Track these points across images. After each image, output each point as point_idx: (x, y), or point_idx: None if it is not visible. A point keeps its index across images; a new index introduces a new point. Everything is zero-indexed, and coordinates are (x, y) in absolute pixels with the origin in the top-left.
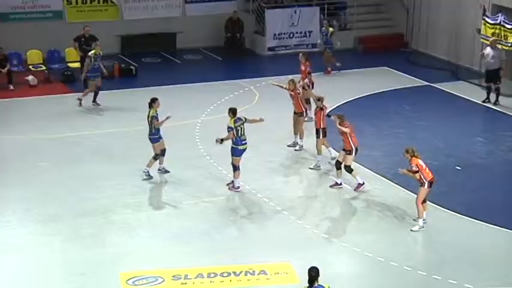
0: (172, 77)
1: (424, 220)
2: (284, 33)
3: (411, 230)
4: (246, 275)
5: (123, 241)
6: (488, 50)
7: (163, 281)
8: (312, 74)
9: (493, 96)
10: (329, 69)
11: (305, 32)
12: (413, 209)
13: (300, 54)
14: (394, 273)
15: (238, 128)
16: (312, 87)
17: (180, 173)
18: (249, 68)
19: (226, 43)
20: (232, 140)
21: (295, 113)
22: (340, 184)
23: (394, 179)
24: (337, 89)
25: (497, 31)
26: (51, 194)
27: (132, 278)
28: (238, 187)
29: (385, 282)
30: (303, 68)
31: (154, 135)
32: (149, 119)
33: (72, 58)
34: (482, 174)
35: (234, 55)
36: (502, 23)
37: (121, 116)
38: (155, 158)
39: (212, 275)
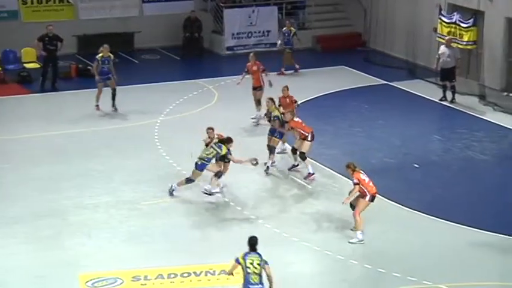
0: (130, 77)
1: (362, 232)
2: (242, 33)
3: (349, 242)
4: (206, 275)
5: (82, 242)
6: (443, 49)
7: (123, 282)
8: (267, 73)
9: (449, 95)
10: (283, 69)
11: (263, 32)
12: (372, 207)
13: (251, 54)
14: (355, 271)
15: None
16: (270, 85)
17: (140, 174)
18: (208, 67)
19: (184, 43)
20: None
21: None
22: (313, 174)
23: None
24: (295, 88)
25: (452, 30)
26: (10, 196)
27: (92, 279)
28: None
29: (346, 279)
30: (255, 68)
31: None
32: (217, 154)
33: (29, 58)
34: (439, 172)
35: (192, 55)
36: (457, 21)
37: (79, 117)
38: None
39: (172, 276)
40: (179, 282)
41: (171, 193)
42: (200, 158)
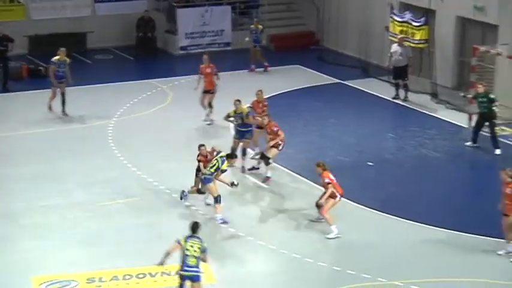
0: (83, 77)
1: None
2: (196, 33)
3: (327, 238)
4: (162, 275)
5: (35, 245)
6: (395, 48)
7: (77, 284)
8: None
9: (402, 93)
10: (253, 66)
11: (217, 31)
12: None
13: (204, 55)
14: (310, 269)
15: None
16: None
17: (93, 175)
18: (162, 67)
19: (137, 42)
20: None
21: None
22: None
23: (308, 176)
24: (249, 88)
25: (404, 29)
26: None
27: (45, 282)
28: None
29: (301, 278)
30: (208, 70)
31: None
32: (217, 168)
33: None
34: (393, 170)
35: (146, 55)
36: (409, 20)
37: (31, 118)
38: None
39: (128, 277)
40: (135, 284)
41: (181, 198)
42: (203, 174)
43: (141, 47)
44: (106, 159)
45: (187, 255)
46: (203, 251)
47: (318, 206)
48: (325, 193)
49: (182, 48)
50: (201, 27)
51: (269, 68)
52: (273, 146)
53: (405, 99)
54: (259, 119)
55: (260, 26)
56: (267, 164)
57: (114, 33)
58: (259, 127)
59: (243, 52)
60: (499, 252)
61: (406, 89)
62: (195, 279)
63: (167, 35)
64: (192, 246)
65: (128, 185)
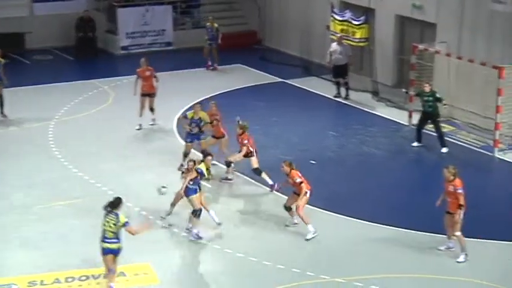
0: (22, 78)
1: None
2: (137, 32)
3: (306, 239)
4: (105, 277)
5: None
6: (334, 46)
7: (18, 287)
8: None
9: (343, 91)
10: (216, 65)
11: (158, 31)
12: (269, 204)
13: (142, 59)
14: (255, 268)
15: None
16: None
17: (33, 177)
18: (102, 67)
19: (77, 43)
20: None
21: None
22: (231, 179)
23: (252, 177)
24: (191, 87)
25: (345, 27)
26: None
27: None
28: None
29: (246, 276)
30: (147, 73)
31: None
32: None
33: None
34: (335, 168)
35: (86, 55)
36: (349, 19)
37: None
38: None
39: (70, 280)
40: (77, 286)
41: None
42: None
43: (81, 47)
44: (46, 160)
45: (104, 229)
46: (123, 225)
47: (287, 208)
48: (296, 193)
49: (123, 48)
50: (142, 27)
51: (218, 68)
52: (246, 155)
53: (346, 98)
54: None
55: (215, 25)
56: (259, 173)
57: (54, 33)
58: (216, 137)
59: (184, 52)
60: (440, 248)
61: (347, 87)
62: (115, 252)
63: (108, 35)
64: (108, 222)
65: (69, 186)
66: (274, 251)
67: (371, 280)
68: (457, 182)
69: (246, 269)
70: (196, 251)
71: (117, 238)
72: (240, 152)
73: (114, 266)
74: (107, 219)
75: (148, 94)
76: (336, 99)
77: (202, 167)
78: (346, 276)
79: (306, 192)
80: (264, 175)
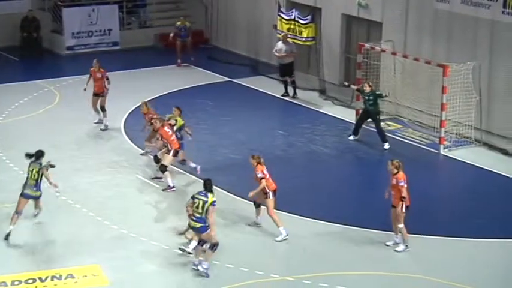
0: None
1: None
2: (83, 32)
3: (275, 241)
4: (52, 280)
5: None
6: (280, 45)
7: None
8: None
9: (291, 90)
10: (192, 58)
11: (105, 30)
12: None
13: (94, 60)
14: (213, 270)
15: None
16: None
17: None
18: (48, 68)
19: (22, 43)
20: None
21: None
22: (173, 187)
23: (202, 176)
24: (139, 87)
25: (292, 26)
26: None
27: None
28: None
29: (194, 277)
30: (99, 75)
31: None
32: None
33: None
34: (283, 166)
35: (31, 55)
36: (296, 18)
37: None
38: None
39: (16, 283)
40: None
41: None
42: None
43: (25, 47)
44: None
45: (27, 177)
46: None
47: (255, 204)
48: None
49: (69, 48)
50: (88, 27)
51: (182, 65)
52: (166, 152)
53: (294, 96)
54: (157, 122)
55: (187, 23)
56: (163, 171)
57: None
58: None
59: (131, 52)
60: (388, 243)
61: (294, 86)
62: (36, 198)
63: (53, 35)
64: (32, 171)
65: (17, 188)
66: (222, 250)
67: (320, 278)
68: (400, 175)
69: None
70: (145, 251)
71: (38, 186)
72: (169, 151)
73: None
74: (31, 168)
75: (98, 94)
76: (284, 98)
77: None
78: (296, 275)
79: (265, 191)
80: (166, 174)
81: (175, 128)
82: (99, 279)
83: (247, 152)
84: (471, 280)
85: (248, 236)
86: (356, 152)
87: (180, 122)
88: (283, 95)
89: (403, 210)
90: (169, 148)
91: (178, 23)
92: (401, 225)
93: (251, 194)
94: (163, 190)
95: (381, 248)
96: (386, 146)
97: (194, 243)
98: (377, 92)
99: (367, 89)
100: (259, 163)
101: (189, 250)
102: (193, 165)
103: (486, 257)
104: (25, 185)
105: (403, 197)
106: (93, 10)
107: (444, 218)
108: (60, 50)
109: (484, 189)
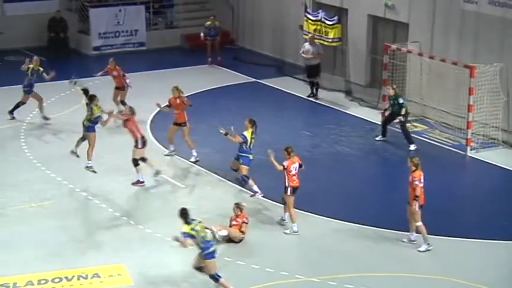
0: None
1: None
2: (109, 32)
3: (284, 233)
4: (78, 279)
5: None
6: (307, 46)
7: None
8: (127, 75)
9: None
10: (219, 58)
11: (131, 31)
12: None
13: (111, 59)
14: (229, 268)
15: (252, 140)
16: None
17: (5, 178)
18: (75, 68)
19: (49, 43)
20: (243, 149)
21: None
22: (143, 182)
23: (226, 176)
24: (165, 88)
25: (318, 27)
26: None
27: None
28: (257, 192)
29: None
30: (115, 73)
31: None
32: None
33: None
34: (310, 167)
35: (58, 55)
36: (322, 19)
37: None
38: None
39: (43, 282)
40: None
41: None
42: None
43: (53, 48)
44: (18, 161)
45: None
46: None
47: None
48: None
49: (95, 48)
50: (115, 27)
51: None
52: (134, 146)
53: (315, 97)
54: (127, 110)
55: (217, 22)
56: (135, 165)
57: (25, 33)
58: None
59: (157, 52)
60: (403, 240)
61: (317, 87)
62: None
63: (80, 35)
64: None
65: (43, 188)
66: (248, 251)
67: (345, 279)
68: (417, 173)
69: (221, 270)
70: (170, 251)
71: None
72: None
73: None
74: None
75: (119, 88)
76: (310, 99)
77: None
78: (321, 276)
79: (286, 188)
80: (138, 168)
81: (245, 142)
82: (124, 279)
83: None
84: (493, 282)
85: (274, 237)
86: (382, 153)
87: (249, 135)
88: (309, 96)
89: (417, 208)
90: (136, 140)
91: (208, 22)
92: (419, 224)
93: (286, 200)
94: (132, 184)
95: (404, 249)
96: (412, 147)
97: (225, 232)
98: (400, 101)
99: (391, 91)
100: (289, 157)
101: (217, 235)
102: (254, 188)
103: (510, 259)
104: None
105: (417, 196)
106: (120, 10)
107: (469, 220)
108: (87, 50)
109: (511, 190)
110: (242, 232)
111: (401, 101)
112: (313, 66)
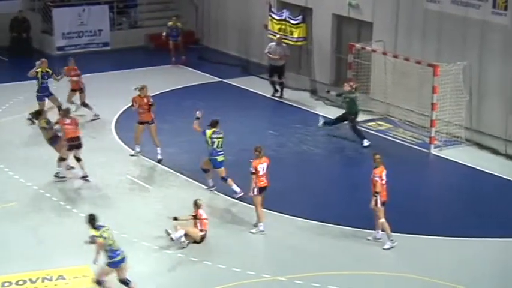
0: None
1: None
2: (73, 32)
3: (250, 232)
4: (43, 281)
5: None
6: (273, 47)
7: None
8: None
9: (279, 90)
10: (183, 57)
11: (95, 31)
12: (209, 204)
13: (70, 59)
14: (195, 269)
15: (215, 140)
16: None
17: None
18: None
19: (12, 43)
20: (212, 153)
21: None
22: (63, 177)
23: (192, 176)
24: (130, 88)
25: (283, 27)
26: None
27: None
28: (236, 192)
29: (186, 278)
30: (73, 73)
31: None
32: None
33: None
34: (275, 166)
35: (21, 55)
36: (287, 18)
37: None
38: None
39: (7, 284)
40: None
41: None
42: None
43: (15, 48)
44: None
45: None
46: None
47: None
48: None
49: (59, 48)
50: (78, 27)
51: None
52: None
53: (281, 97)
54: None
55: (179, 24)
56: (60, 160)
57: None
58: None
59: (121, 52)
60: (368, 238)
61: (282, 87)
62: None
63: (43, 35)
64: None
65: (5, 189)
66: (214, 251)
67: (311, 278)
68: (377, 170)
69: (186, 270)
70: (136, 251)
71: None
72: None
73: None
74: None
75: (75, 90)
76: (275, 98)
77: None
78: (287, 275)
79: (253, 189)
80: (62, 163)
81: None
82: (89, 280)
83: (237, 152)
84: (460, 279)
85: (240, 237)
86: (347, 152)
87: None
88: (273, 95)
89: (378, 205)
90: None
91: (170, 23)
92: (382, 220)
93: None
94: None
95: (370, 247)
96: (365, 142)
97: (181, 232)
98: (351, 95)
99: (346, 87)
100: (258, 157)
101: (172, 236)
102: (234, 187)
103: (475, 256)
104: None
105: (376, 192)
106: (84, 10)
107: (434, 217)
108: (51, 51)
109: (474, 188)
110: (201, 230)
111: (352, 95)
112: (277, 67)
